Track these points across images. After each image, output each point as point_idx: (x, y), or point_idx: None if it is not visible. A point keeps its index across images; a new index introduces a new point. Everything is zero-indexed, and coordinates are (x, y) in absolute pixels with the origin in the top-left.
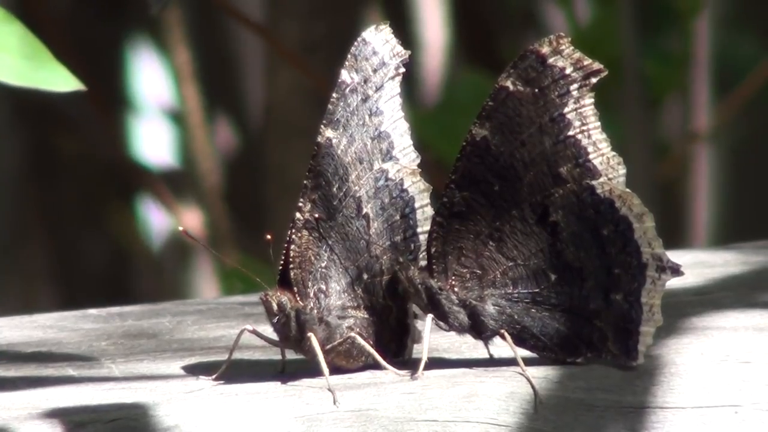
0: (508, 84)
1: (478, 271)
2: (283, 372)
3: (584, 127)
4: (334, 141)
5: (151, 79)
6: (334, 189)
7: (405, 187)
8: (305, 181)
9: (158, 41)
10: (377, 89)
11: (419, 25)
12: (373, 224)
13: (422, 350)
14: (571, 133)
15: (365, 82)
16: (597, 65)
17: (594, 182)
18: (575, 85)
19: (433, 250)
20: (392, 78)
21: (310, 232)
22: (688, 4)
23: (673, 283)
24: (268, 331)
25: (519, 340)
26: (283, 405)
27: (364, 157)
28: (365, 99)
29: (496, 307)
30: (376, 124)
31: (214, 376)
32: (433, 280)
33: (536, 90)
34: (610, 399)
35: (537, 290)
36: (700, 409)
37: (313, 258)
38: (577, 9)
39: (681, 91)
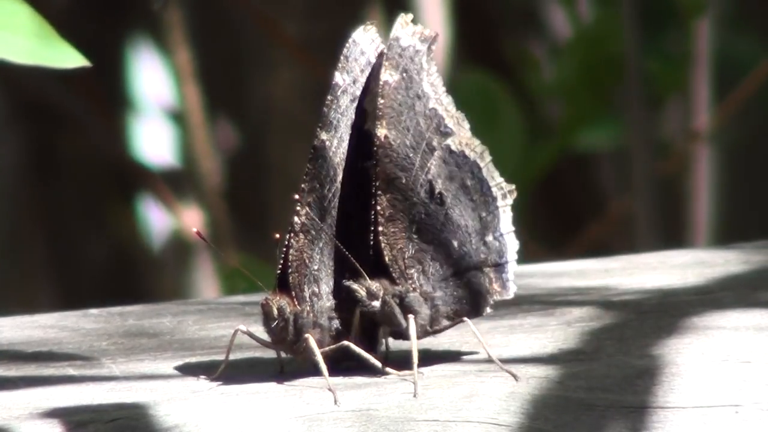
0: (387, 77)
1: (418, 266)
2: (282, 372)
3: (437, 96)
4: (327, 143)
5: (152, 79)
6: (325, 191)
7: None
8: (302, 185)
9: (159, 40)
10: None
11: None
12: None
13: (413, 353)
14: (431, 105)
15: (354, 83)
16: (433, 32)
17: (448, 141)
18: (425, 58)
19: (386, 259)
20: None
21: (306, 235)
22: (691, 4)
23: (674, 282)
24: (260, 331)
25: (449, 318)
26: (284, 405)
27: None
28: (353, 100)
29: (441, 294)
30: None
31: (213, 377)
32: (398, 286)
33: (404, 74)
34: (611, 398)
35: (452, 262)
36: (701, 408)
37: (307, 261)
38: (580, 8)
39: (682, 91)
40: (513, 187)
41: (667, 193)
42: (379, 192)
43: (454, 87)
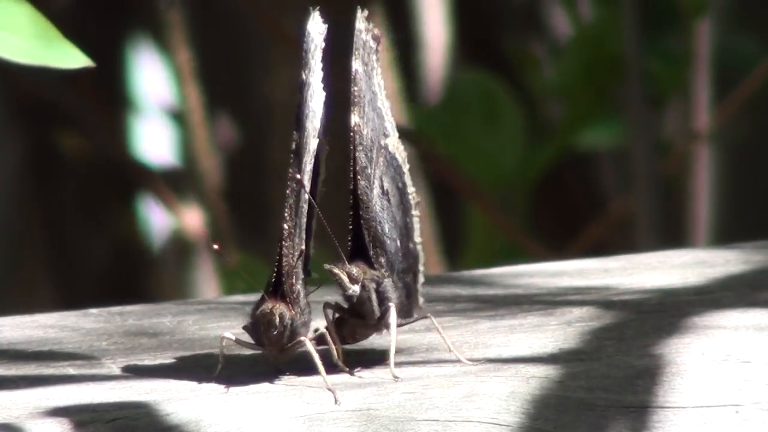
0: (357, 66)
1: (386, 254)
2: (282, 371)
3: (382, 97)
4: (298, 143)
5: (152, 78)
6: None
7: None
8: (287, 191)
9: (159, 40)
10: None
11: (420, 22)
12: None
13: (390, 346)
14: (379, 104)
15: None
16: (380, 30)
17: (387, 141)
18: (376, 56)
19: (366, 240)
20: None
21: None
22: (692, 4)
23: (674, 282)
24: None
25: (409, 315)
26: (283, 405)
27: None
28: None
29: (402, 286)
30: None
31: (213, 377)
32: (374, 271)
33: (366, 66)
34: (611, 398)
35: (400, 260)
36: (701, 408)
37: (296, 266)
38: (580, 8)
39: (682, 91)
40: (419, 200)
41: (667, 193)
42: (358, 177)
43: (454, 87)
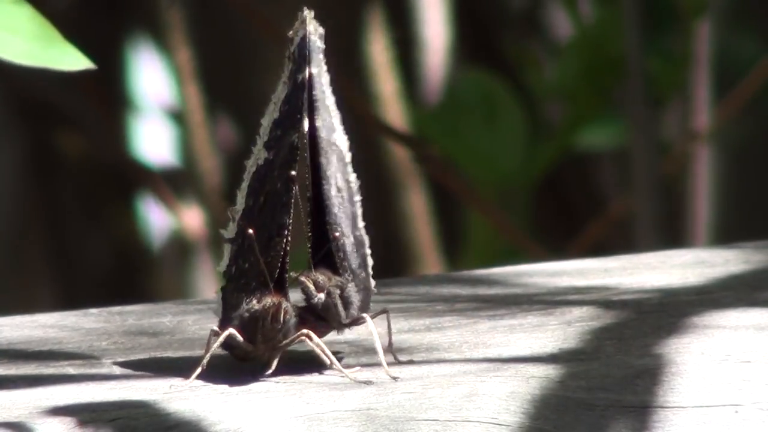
0: (314, 70)
1: (347, 256)
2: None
3: (328, 91)
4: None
5: (152, 78)
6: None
7: None
8: (279, 186)
9: (159, 40)
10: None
11: (420, 23)
12: None
13: (378, 350)
14: (327, 101)
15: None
16: (322, 27)
17: (335, 136)
18: (322, 54)
19: (333, 245)
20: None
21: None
22: (692, 4)
23: (674, 282)
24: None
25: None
26: (284, 404)
27: None
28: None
29: (363, 287)
30: None
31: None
32: (338, 277)
33: (318, 68)
34: (611, 398)
35: (356, 251)
36: (701, 408)
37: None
38: (581, 8)
39: (682, 91)
40: (359, 183)
41: (667, 193)
42: (323, 182)
43: (454, 87)
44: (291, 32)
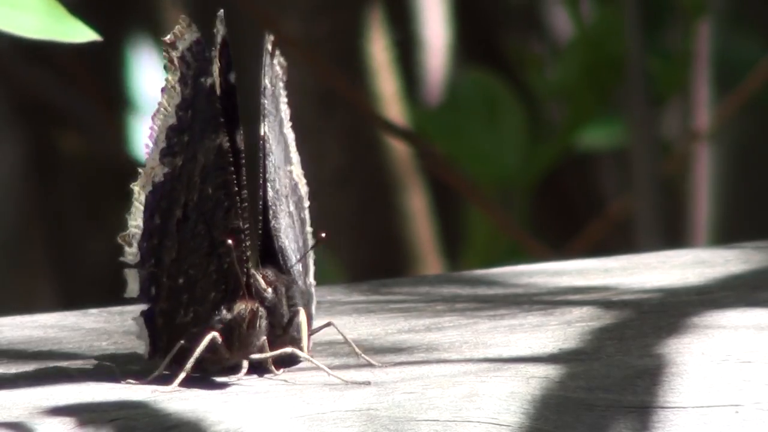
0: (267, 82)
1: (290, 260)
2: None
3: (287, 124)
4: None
5: (152, 78)
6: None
7: None
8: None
9: (159, 40)
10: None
11: (421, 23)
12: None
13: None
14: (285, 131)
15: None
16: (285, 60)
17: (292, 167)
18: (282, 83)
19: (276, 245)
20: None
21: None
22: (692, 4)
23: (674, 282)
24: None
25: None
26: (284, 405)
27: None
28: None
29: (307, 288)
30: None
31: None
32: (284, 275)
33: (273, 87)
34: (611, 398)
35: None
36: (701, 408)
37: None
38: (581, 7)
39: (682, 90)
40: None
41: (667, 193)
42: (268, 184)
43: (455, 87)
44: (170, 36)
